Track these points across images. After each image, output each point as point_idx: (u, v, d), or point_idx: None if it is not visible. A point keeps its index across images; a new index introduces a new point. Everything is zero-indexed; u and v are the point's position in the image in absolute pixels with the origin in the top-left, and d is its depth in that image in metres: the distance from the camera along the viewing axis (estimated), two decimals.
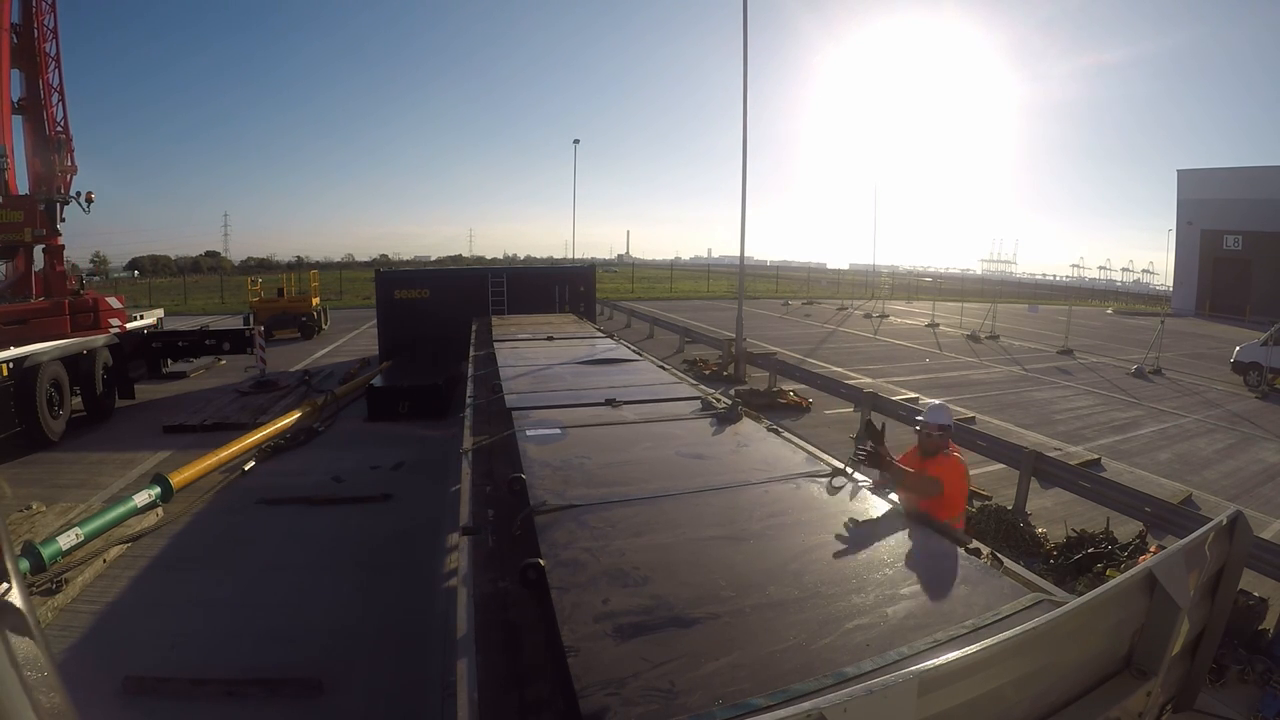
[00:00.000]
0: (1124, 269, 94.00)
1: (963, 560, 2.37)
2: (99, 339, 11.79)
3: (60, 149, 14.31)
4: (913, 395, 13.44)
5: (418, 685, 4.34)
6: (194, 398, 12.81)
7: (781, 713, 1.22)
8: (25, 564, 5.49)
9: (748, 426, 4.23)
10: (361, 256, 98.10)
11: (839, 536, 2.56)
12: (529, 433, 3.94)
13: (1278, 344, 15.47)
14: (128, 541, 6.39)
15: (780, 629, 1.91)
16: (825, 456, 3.60)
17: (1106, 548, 6.33)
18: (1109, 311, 42.26)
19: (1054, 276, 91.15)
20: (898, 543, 2.52)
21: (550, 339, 8.55)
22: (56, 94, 14.41)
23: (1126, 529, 6.61)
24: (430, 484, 7.92)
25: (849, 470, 3.32)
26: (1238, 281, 39.48)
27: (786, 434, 4.09)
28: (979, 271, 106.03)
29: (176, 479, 7.51)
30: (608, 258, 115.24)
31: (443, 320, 14.72)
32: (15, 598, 1.18)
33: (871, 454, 3.38)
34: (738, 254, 18.69)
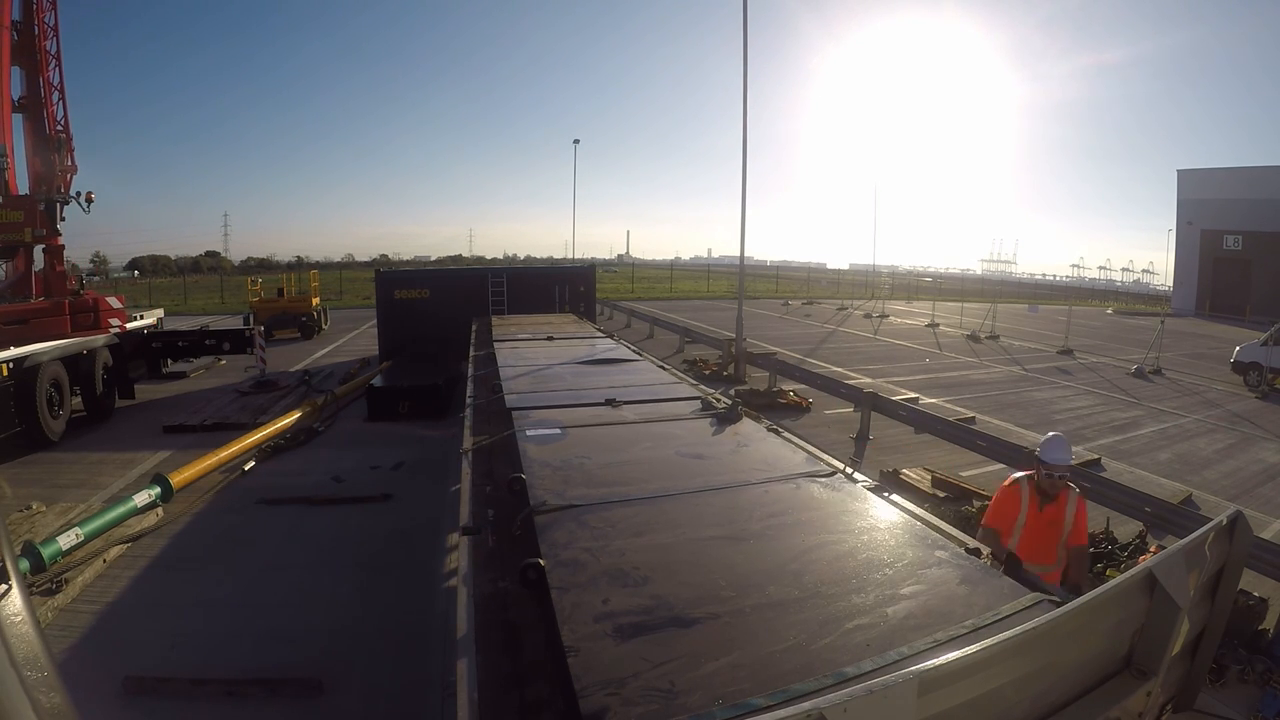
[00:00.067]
0: (1124, 269, 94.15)
1: (963, 560, 2.37)
2: (99, 339, 11.79)
3: (60, 148, 14.30)
4: (913, 395, 13.44)
5: (418, 685, 4.34)
6: (194, 398, 12.81)
7: (781, 713, 1.22)
8: (25, 564, 5.49)
9: (748, 426, 4.23)
10: (361, 256, 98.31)
11: (839, 536, 2.56)
12: (529, 433, 3.93)
13: (1278, 344, 15.47)
14: (128, 541, 6.39)
15: (780, 629, 1.91)
16: (825, 456, 3.60)
17: (1107, 548, 6.33)
18: (1109, 311, 42.25)
19: (1054, 276, 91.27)
20: (898, 543, 2.52)
21: (550, 339, 8.55)
22: (57, 92, 14.40)
23: (1126, 529, 6.62)
24: (430, 484, 7.92)
25: (849, 470, 3.32)
26: (1238, 281, 39.48)
27: (786, 434, 4.08)
28: (979, 271, 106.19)
29: (176, 479, 7.52)
30: (608, 258, 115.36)
31: (443, 320, 14.72)
32: (15, 598, 1.18)
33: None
34: (738, 254, 18.70)
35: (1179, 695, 2.27)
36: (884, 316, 30.55)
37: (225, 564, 6.12)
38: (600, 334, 9.51)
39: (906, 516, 2.79)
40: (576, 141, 41.61)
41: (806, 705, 1.23)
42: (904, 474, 8.51)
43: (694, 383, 5.70)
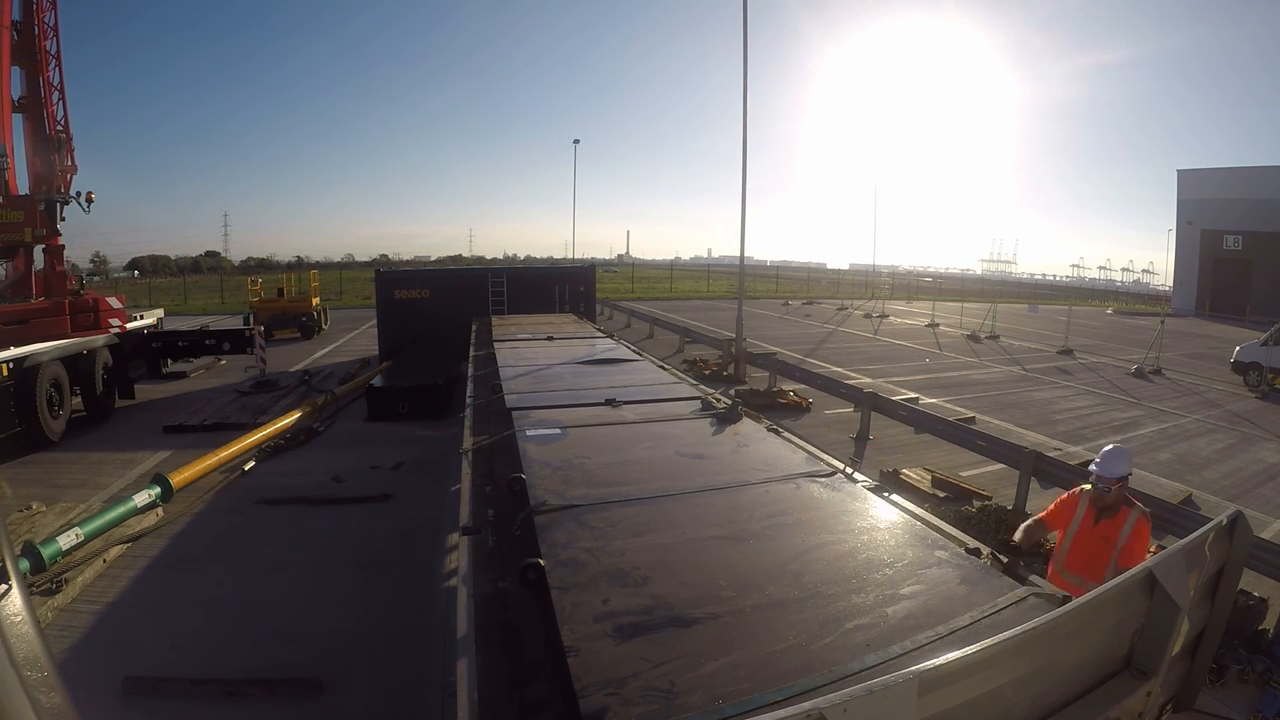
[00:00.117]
0: (1124, 269, 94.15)
1: (963, 560, 2.37)
2: (99, 339, 11.79)
3: (60, 148, 14.30)
4: (913, 395, 13.44)
5: (418, 685, 4.34)
6: (194, 398, 12.81)
7: (782, 712, 1.22)
8: (25, 564, 5.49)
9: (748, 426, 4.23)
10: (361, 256, 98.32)
11: (839, 536, 2.56)
12: (529, 433, 3.93)
13: (1278, 344, 15.47)
14: (128, 541, 6.39)
15: (780, 629, 1.91)
16: (825, 456, 3.60)
17: None
18: (1109, 311, 42.24)
19: (1054, 276, 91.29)
20: (898, 543, 2.52)
21: (550, 339, 8.55)
22: (57, 92, 14.39)
23: None
24: (430, 484, 7.92)
25: (849, 470, 3.32)
26: (1238, 281, 39.49)
27: (786, 434, 4.08)
28: (979, 271, 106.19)
29: (176, 479, 7.51)
30: (608, 258, 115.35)
31: (443, 320, 14.73)
32: (15, 598, 1.18)
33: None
34: (738, 254, 18.70)
35: (1179, 695, 2.27)
36: (884, 316, 30.55)
37: (225, 564, 6.12)
38: (600, 334, 9.51)
39: (906, 516, 2.79)
40: (576, 141, 41.65)
41: (807, 705, 1.23)
42: (904, 474, 8.51)
43: (694, 383, 5.70)
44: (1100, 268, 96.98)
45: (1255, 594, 4.95)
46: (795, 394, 12.91)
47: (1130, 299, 60.11)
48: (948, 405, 12.95)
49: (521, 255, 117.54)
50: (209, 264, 78.55)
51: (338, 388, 13.03)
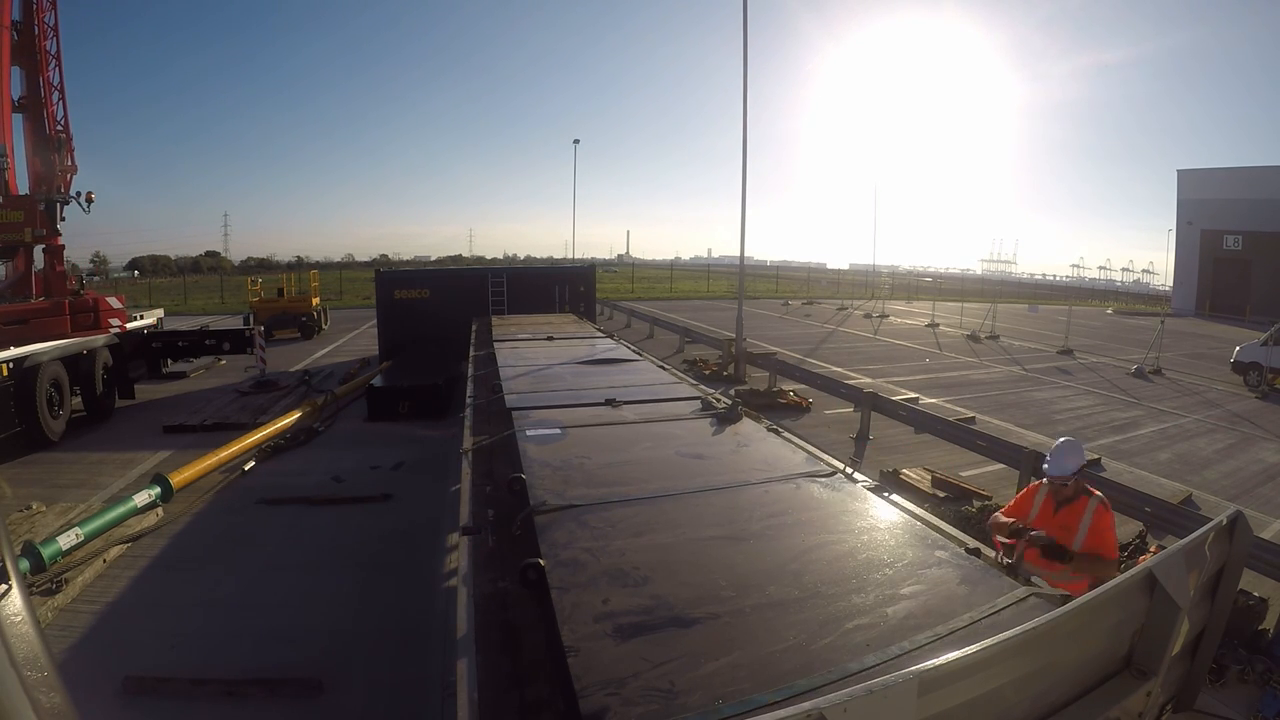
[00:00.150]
0: (1124, 269, 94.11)
1: (963, 560, 2.37)
2: (99, 339, 11.79)
3: (60, 148, 14.30)
4: (913, 395, 13.44)
5: (418, 685, 4.34)
6: (194, 398, 12.81)
7: (782, 712, 1.22)
8: (25, 564, 5.49)
9: (748, 426, 4.23)
10: (361, 256, 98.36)
11: (839, 536, 2.56)
12: (529, 433, 3.93)
13: (1278, 344, 15.47)
14: (128, 541, 6.39)
15: (780, 629, 1.91)
16: (825, 456, 3.60)
17: None
18: (1109, 311, 42.25)
19: (1054, 276, 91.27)
20: (898, 543, 2.52)
21: (550, 339, 8.55)
22: (57, 92, 14.40)
23: (1126, 529, 6.61)
24: (430, 484, 7.92)
25: (849, 470, 3.32)
26: (1238, 281, 39.49)
27: (786, 434, 4.08)
28: (979, 271, 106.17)
29: (176, 479, 7.51)
30: (608, 258, 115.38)
31: (443, 320, 14.73)
32: (15, 598, 1.18)
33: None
34: (738, 254, 18.71)
35: (1179, 695, 2.27)
36: (884, 316, 30.55)
37: (225, 564, 6.12)
38: (600, 334, 9.51)
39: (906, 516, 2.79)
40: (576, 141, 41.59)
41: (807, 705, 1.23)
42: (904, 474, 8.51)
43: (694, 383, 5.70)
44: (1100, 268, 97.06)
45: (1255, 594, 4.95)
46: (795, 394, 12.91)
47: (1130, 299, 60.13)
48: (948, 405, 12.96)
49: (521, 255, 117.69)
50: (209, 264, 78.59)
51: (338, 388, 13.03)
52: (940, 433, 9.05)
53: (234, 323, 20.40)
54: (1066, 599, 2.02)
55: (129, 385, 12.55)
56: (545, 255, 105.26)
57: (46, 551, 5.61)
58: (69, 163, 14.52)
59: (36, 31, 13.87)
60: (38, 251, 13.91)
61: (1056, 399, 14.11)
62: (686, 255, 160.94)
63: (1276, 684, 4.34)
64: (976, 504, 7.47)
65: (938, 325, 27.30)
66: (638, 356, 7.22)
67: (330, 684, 4.34)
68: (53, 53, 14.33)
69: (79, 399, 10.98)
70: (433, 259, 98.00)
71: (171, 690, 4.29)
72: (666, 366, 6.79)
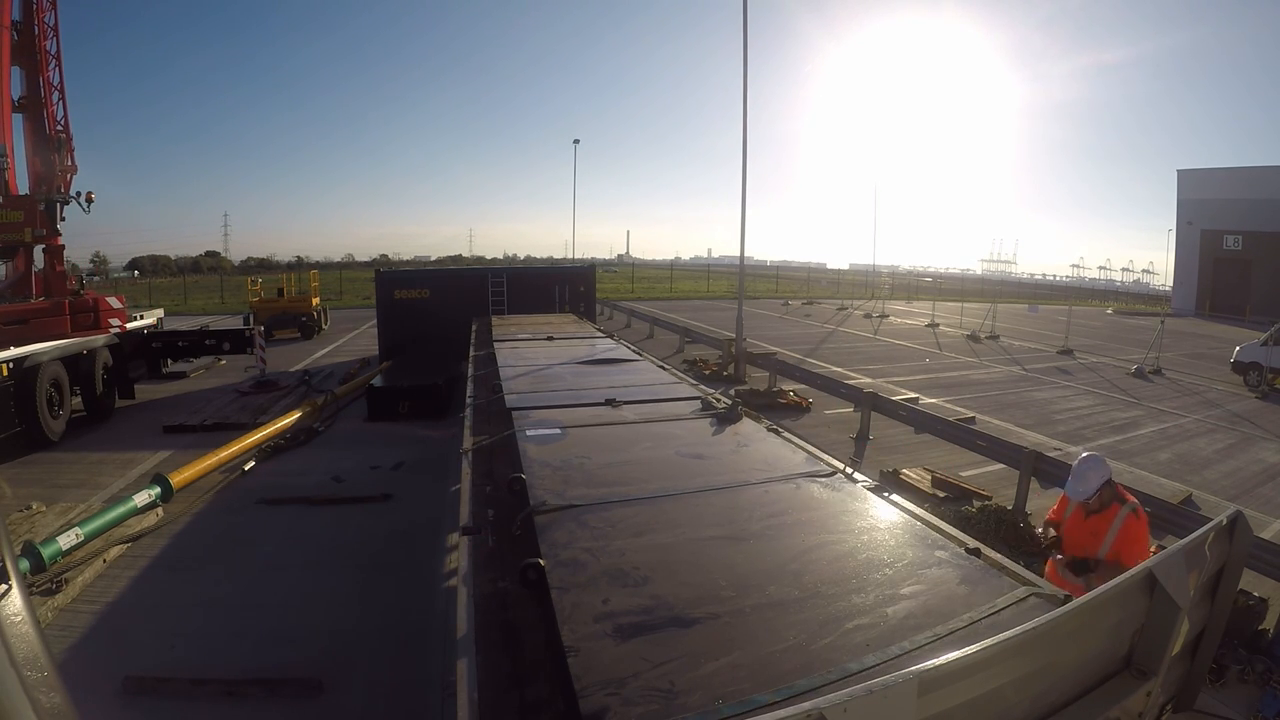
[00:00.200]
0: (1124, 269, 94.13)
1: (963, 560, 2.37)
2: (99, 339, 11.79)
3: (60, 148, 14.30)
4: (913, 395, 13.44)
5: (418, 685, 4.34)
6: (194, 398, 12.81)
7: (782, 712, 1.22)
8: (25, 564, 5.49)
9: (748, 426, 4.23)
10: (361, 256, 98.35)
11: (839, 536, 2.56)
12: (529, 433, 3.94)
13: (1278, 344, 15.47)
14: (128, 541, 6.39)
15: (780, 629, 1.91)
16: (825, 456, 3.60)
17: None
18: (1109, 311, 42.26)
19: (1054, 276, 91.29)
20: (898, 543, 2.52)
21: (550, 339, 8.55)
22: (57, 92, 14.40)
23: None
24: (430, 484, 7.92)
25: (849, 470, 3.32)
26: (1238, 281, 39.50)
27: (786, 434, 4.09)
28: (979, 271, 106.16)
29: (176, 479, 7.51)
30: (608, 258, 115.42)
31: (443, 320, 14.72)
32: (15, 598, 1.18)
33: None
34: (738, 254, 18.70)
35: (1179, 695, 2.27)
36: (884, 316, 30.56)
37: (225, 564, 6.12)
38: (600, 334, 9.51)
39: (906, 516, 2.79)
40: (576, 141, 41.66)
41: (807, 705, 1.23)
42: (904, 474, 8.51)
43: (694, 383, 5.70)
44: (1100, 268, 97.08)
45: (1255, 594, 4.95)
46: (795, 394, 12.91)
47: (1130, 299, 60.13)
48: (948, 405, 12.96)
49: (521, 255, 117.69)
50: (209, 264, 78.58)
51: (338, 388, 13.03)
52: (940, 433, 9.05)
53: (234, 323, 20.40)
54: (1066, 599, 2.03)
55: (129, 385, 12.55)
56: (545, 255, 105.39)
57: (46, 551, 5.61)
58: (69, 163, 14.52)
59: (36, 31, 13.87)
60: (38, 251, 13.91)
61: (1056, 399, 14.11)
62: (686, 255, 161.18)
63: (1276, 684, 4.34)
64: (976, 504, 7.47)
65: (938, 325, 27.30)
66: (638, 356, 7.22)
67: (330, 684, 4.34)
68: (53, 53, 14.33)
69: (79, 399, 10.98)
70: (433, 259, 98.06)
71: (171, 690, 4.29)
72: (666, 366, 6.79)
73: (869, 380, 15.02)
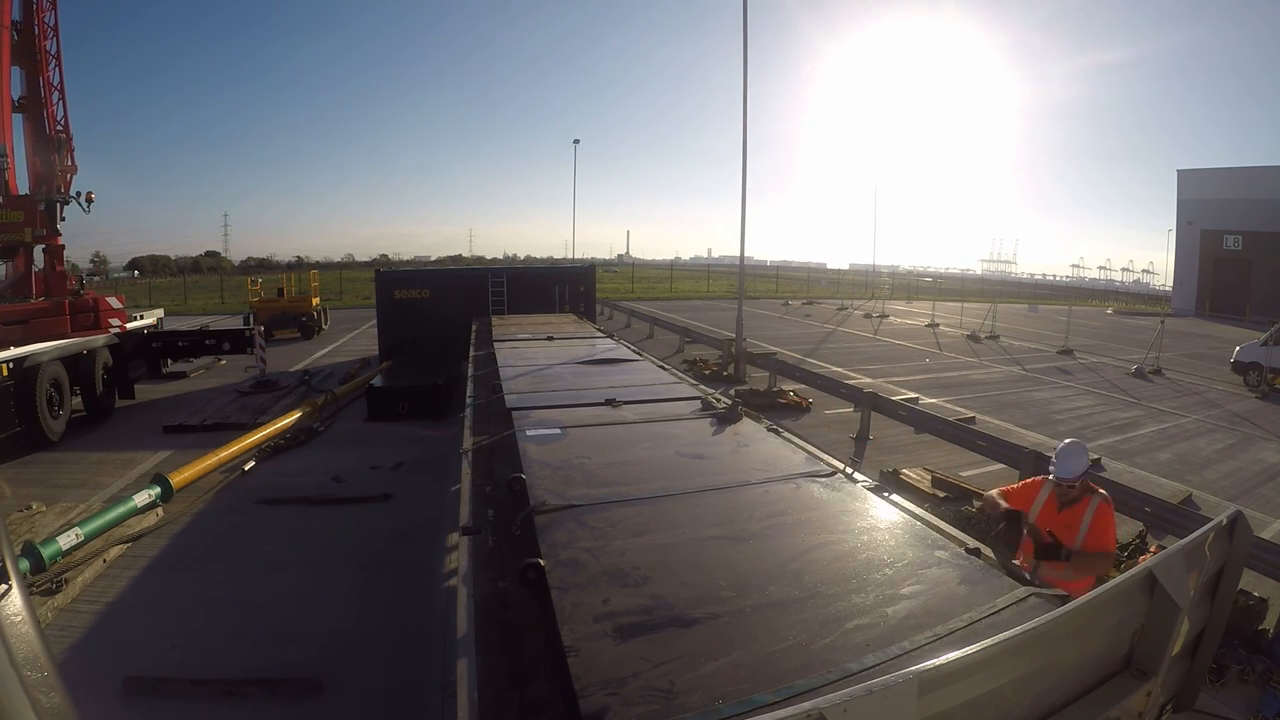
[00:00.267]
0: (1124, 269, 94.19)
1: (963, 560, 2.37)
2: (99, 339, 11.79)
3: (60, 148, 14.30)
4: (913, 395, 13.44)
5: (418, 685, 4.34)
6: (194, 398, 12.81)
7: (782, 712, 1.22)
8: (25, 564, 5.49)
9: (748, 426, 4.23)
10: (361, 256, 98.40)
11: (839, 536, 2.56)
12: (529, 433, 3.94)
13: (1278, 344, 15.47)
14: (128, 541, 6.39)
15: (780, 629, 1.91)
16: (825, 456, 3.60)
17: None
18: (1109, 311, 42.25)
19: (1054, 276, 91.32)
20: (898, 543, 2.52)
21: (550, 339, 8.55)
22: (57, 92, 14.39)
23: (1126, 529, 6.61)
24: (430, 484, 7.92)
25: (849, 470, 3.32)
26: (1238, 281, 39.50)
27: (786, 434, 4.08)
28: (979, 271, 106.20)
29: (176, 479, 7.51)
30: (608, 258, 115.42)
31: (443, 320, 14.73)
32: (15, 598, 1.19)
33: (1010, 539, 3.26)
34: (738, 254, 18.71)
35: (1179, 695, 2.27)
36: (884, 316, 30.56)
37: (225, 564, 6.12)
38: (600, 334, 9.51)
39: (906, 516, 2.79)
40: (576, 141, 41.62)
41: (807, 705, 1.23)
42: (904, 474, 8.51)
43: (694, 383, 5.70)
44: (1100, 268, 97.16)
45: (1255, 594, 4.95)
46: (795, 394, 12.91)
47: (1130, 299, 60.12)
48: (948, 405, 12.96)
49: (521, 255, 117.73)
50: (209, 264, 78.57)
51: (338, 388, 13.03)
52: (940, 433, 9.05)
53: (234, 323, 20.39)
54: (1066, 599, 2.03)
55: (129, 385, 12.55)
56: (545, 255, 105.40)
57: (46, 551, 5.61)
58: (69, 163, 14.52)
59: (36, 31, 13.86)
60: (38, 251, 13.90)
61: (1056, 399, 14.11)
62: (686, 255, 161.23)
63: (1276, 684, 4.34)
64: (976, 504, 7.46)
65: (938, 325, 27.30)
66: (638, 356, 7.22)
67: (330, 684, 4.34)
68: (53, 53, 14.33)
69: (79, 399, 10.98)
70: (433, 259, 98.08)
71: (171, 690, 4.29)
72: (666, 366, 6.79)
73: (869, 380, 15.02)
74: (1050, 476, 3.69)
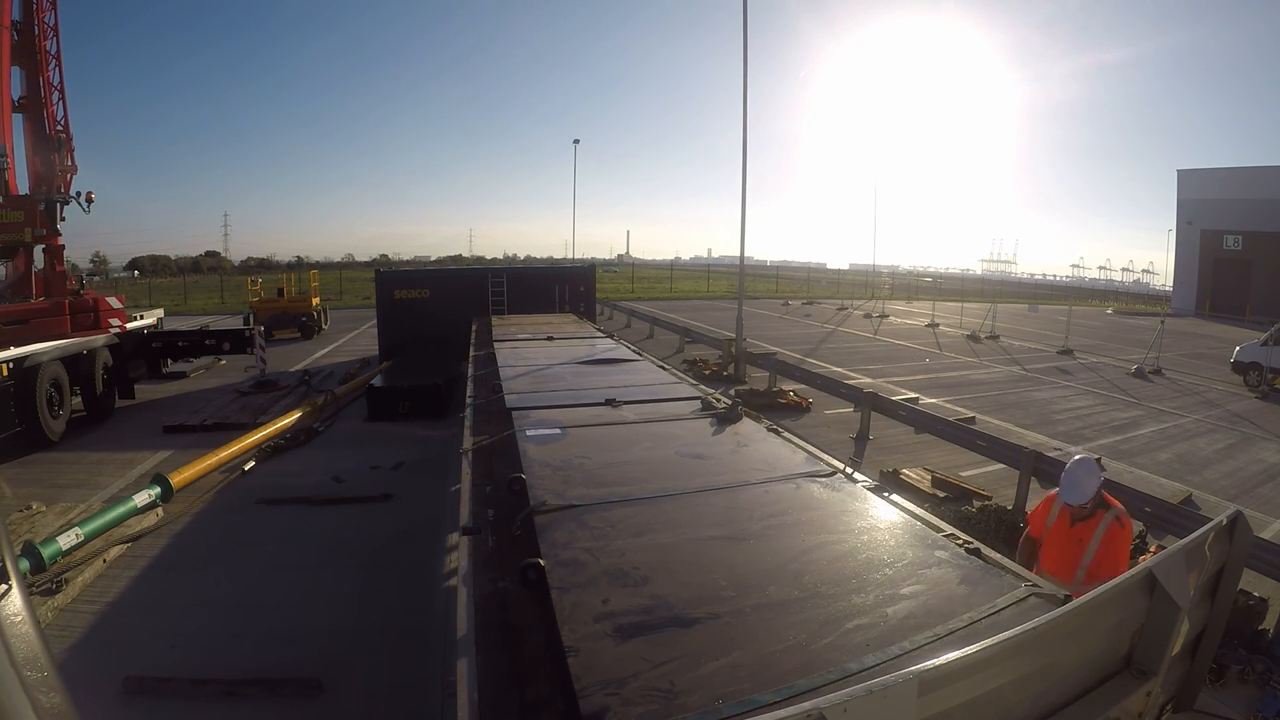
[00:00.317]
0: (1124, 269, 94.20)
1: (963, 560, 2.37)
2: (99, 339, 11.79)
3: (60, 148, 14.31)
4: (913, 395, 13.44)
5: (418, 685, 4.34)
6: (194, 398, 12.81)
7: (781, 712, 1.22)
8: (25, 564, 5.49)
9: (748, 426, 4.23)
10: (361, 256, 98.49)
11: (839, 536, 2.56)
12: (529, 433, 3.93)
13: (1278, 344, 15.47)
14: (128, 541, 6.39)
15: (780, 629, 1.91)
16: (825, 456, 3.59)
17: None
18: (1109, 311, 42.25)
19: (1054, 276, 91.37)
20: (898, 543, 2.52)
21: (550, 339, 8.55)
22: (57, 92, 14.41)
23: None
24: (430, 484, 7.92)
25: (849, 470, 3.32)
26: (1238, 281, 39.52)
27: (786, 434, 4.08)
28: (979, 271, 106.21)
29: (176, 479, 7.51)
30: (608, 258, 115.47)
31: (443, 320, 14.73)
32: (15, 598, 1.19)
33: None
34: (738, 254, 18.71)
35: (1179, 695, 2.27)
36: (884, 316, 30.56)
37: (225, 564, 6.11)
38: (600, 334, 9.50)
39: (906, 516, 2.79)
40: (576, 141, 41.63)
41: (807, 705, 1.23)
42: (904, 474, 8.51)
43: (694, 383, 5.70)
44: (1100, 268, 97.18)
45: (1255, 594, 4.94)
46: (795, 394, 12.91)
47: (1130, 299, 60.12)
48: (948, 405, 12.96)
49: (521, 255, 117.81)
50: (209, 264, 78.62)
51: (338, 388, 13.03)
52: (940, 433, 9.05)
53: (234, 323, 20.39)
54: (1067, 599, 2.03)
55: (129, 385, 12.54)
56: (545, 255, 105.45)
57: (46, 551, 5.61)
58: (69, 163, 14.53)
59: (36, 31, 13.88)
60: (38, 251, 13.92)
61: (1056, 399, 14.11)
62: (686, 255, 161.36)
63: (1276, 684, 4.34)
64: (976, 504, 7.47)
65: (938, 325, 27.30)
66: (638, 356, 7.22)
67: (330, 684, 4.34)
68: (53, 53, 14.34)
69: (79, 399, 10.98)
70: (433, 259, 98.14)
71: (171, 690, 4.28)
72: (666, 366, 6.79)
73: (869, 380, 15.02)
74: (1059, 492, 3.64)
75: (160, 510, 7.11)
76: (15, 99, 13.79)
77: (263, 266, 72.99)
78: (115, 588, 5.66)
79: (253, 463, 8.80)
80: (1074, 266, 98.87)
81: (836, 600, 2.07)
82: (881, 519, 2.75)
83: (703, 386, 5.53)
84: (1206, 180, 42.47)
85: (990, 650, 1.49)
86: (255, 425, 10.14)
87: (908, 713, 1.30)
